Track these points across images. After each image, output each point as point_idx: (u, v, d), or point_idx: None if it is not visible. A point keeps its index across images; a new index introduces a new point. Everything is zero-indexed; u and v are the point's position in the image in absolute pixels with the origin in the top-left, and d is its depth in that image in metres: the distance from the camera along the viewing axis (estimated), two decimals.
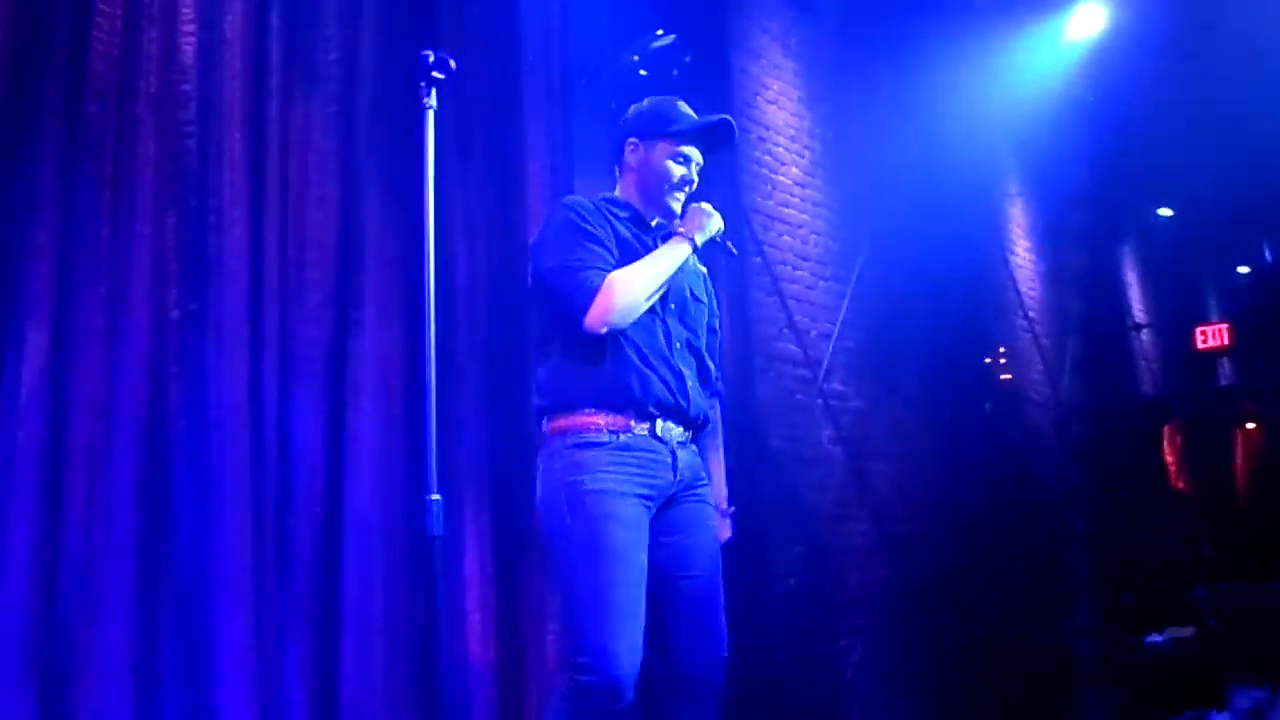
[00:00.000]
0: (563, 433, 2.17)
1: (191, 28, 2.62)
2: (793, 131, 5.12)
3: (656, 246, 2.28)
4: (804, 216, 5.07)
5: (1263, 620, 3.91)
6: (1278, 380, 9.78)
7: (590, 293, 2.12)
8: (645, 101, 2.42)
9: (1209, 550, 7.61)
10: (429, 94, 2.03)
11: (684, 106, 2.37)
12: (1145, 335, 8.58)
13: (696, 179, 2.39)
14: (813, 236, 5.09)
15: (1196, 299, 9.84)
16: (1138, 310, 8.67)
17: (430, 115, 2.03)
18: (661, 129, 2.33)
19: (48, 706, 2.20)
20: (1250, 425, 10.83)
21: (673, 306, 2.28)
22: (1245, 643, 3.80)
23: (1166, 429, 8.52)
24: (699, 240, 2.30)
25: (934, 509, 5.37)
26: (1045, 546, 6.03)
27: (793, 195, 5.02)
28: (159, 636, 2.39)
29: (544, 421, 2.22)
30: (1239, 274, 10.20)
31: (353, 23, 2.91)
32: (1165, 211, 8.67)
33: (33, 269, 2.31)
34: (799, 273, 4.93)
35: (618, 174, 2.41)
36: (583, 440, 2.14)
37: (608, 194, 2.39)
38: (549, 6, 3.55)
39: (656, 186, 2.34)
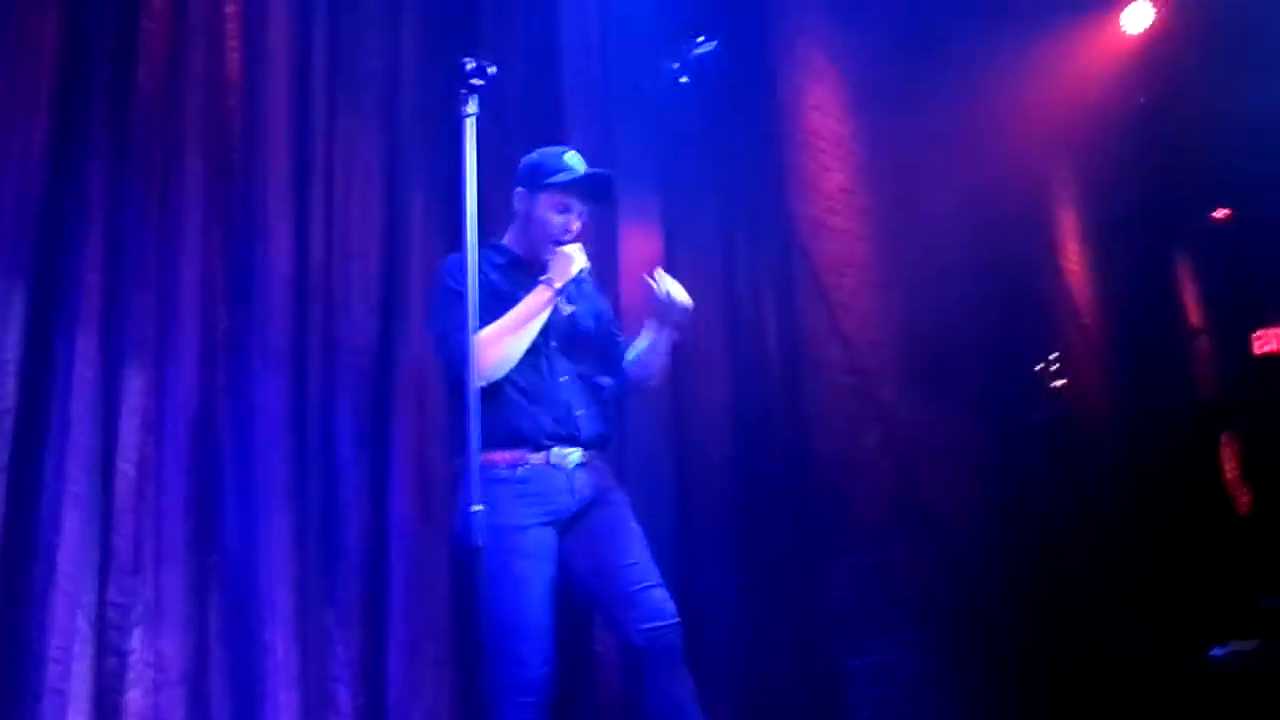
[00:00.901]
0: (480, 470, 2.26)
1: (236, 42, 2.65)
2: (837, 137, 5.07)
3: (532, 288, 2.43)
4: (849, 223, 5.01)
5: None
6: None
7: (461, 354, 2.21)
8: (535, 153, 2.57)
9: (1272, 561, 7.39)
10: (468, 101, 2.03)
11: (572, 158, 2.52)
12: (1201, 341, 8.38)
13: (577, 228, 2.51)
14: (858, 243, 5.03)
15: (1253, 303, 9.59)
16: (1193, 315, 8.47)
17: (470, 123, 2.03)
18: (543, 179, 2.49)
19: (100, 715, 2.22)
20: None
21: (554, 344, 2.47)
22: None
23: (1225, 437, 8.31)
24: (558, 284, 2.44)
25: (986, 519, 5.26)
26: (1102, 557, 5.89)
27: (837, 202, 4.96)
28: (208, 645, 2.40)
29: (453, 461, 2.37)
30: None
31: (394, 35, 2.93)
32: (1219, 214, 8.48)
33: (84, 282, 2.34)
34: (845, 280, 4.87)
35: (510, 219, 2.56)
36: (497, 478, 2.32)
37: (493, 240, 2.53)
38: (588, 15, 3.55)
39: (538, 234, 2.49)
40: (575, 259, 2.45)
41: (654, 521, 3.60)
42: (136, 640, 2.28)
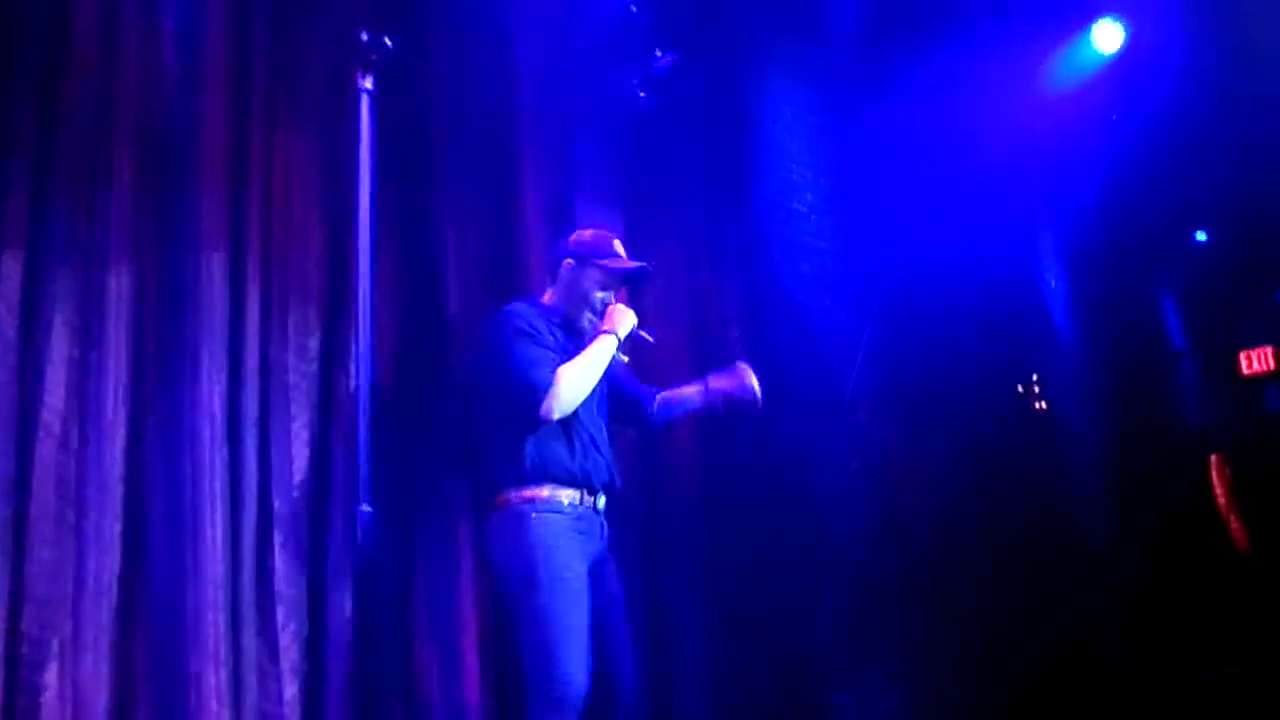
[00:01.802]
0: (529, 502, 2.56)
1: (171, 54, 2.56)
2: (808, 158, 5.01)
3: (580, 348, 2.68)
4: (822, 244, 4.93)
5: None
6: None
7: (545, 386, 2.54)
8: (587, 232, 2.90)
9: (1263, 584, 7.27)
10: (366, 77, 1.93)
11: (618, 246, 2.86)
12: (1187, 362, 8.31)
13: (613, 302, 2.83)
14: (830, 264, 4.94)
15: (1238, 323, 9.55)
16: (1178, 337, 8.40)
17: (365, 100, 1.93)
18: (595, 259, 2.81)
19: None
20: None
21: (595, 395, 2.70)
22: None
23: (1214, 459, 8.21)
24: (621, 335, 2.73)
25: (968, 542, 5.14)
26: (1088, 580, 5.76)
27: (808, 223, 4.89)
28: (134, 680, 2.26)
29: (503, 490, 2.58)
30: None
31: (339, 45, 2.84)
32: (1201, 235, 8.45)
33: (2, 296, 2.22)
34: (817, 302, 4.78)
35: (550, 282, 2.84)
36: (549, 508, 2.56)
37: (538, 301, 2.83)
38: (546, 30, 3.47)
39: (579, 302, 2.79)
40: (630, 314, 2.77)
41: (624, 554, 3.49)
42: (51, 675, 2.14)
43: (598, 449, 2.69)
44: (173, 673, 2.25)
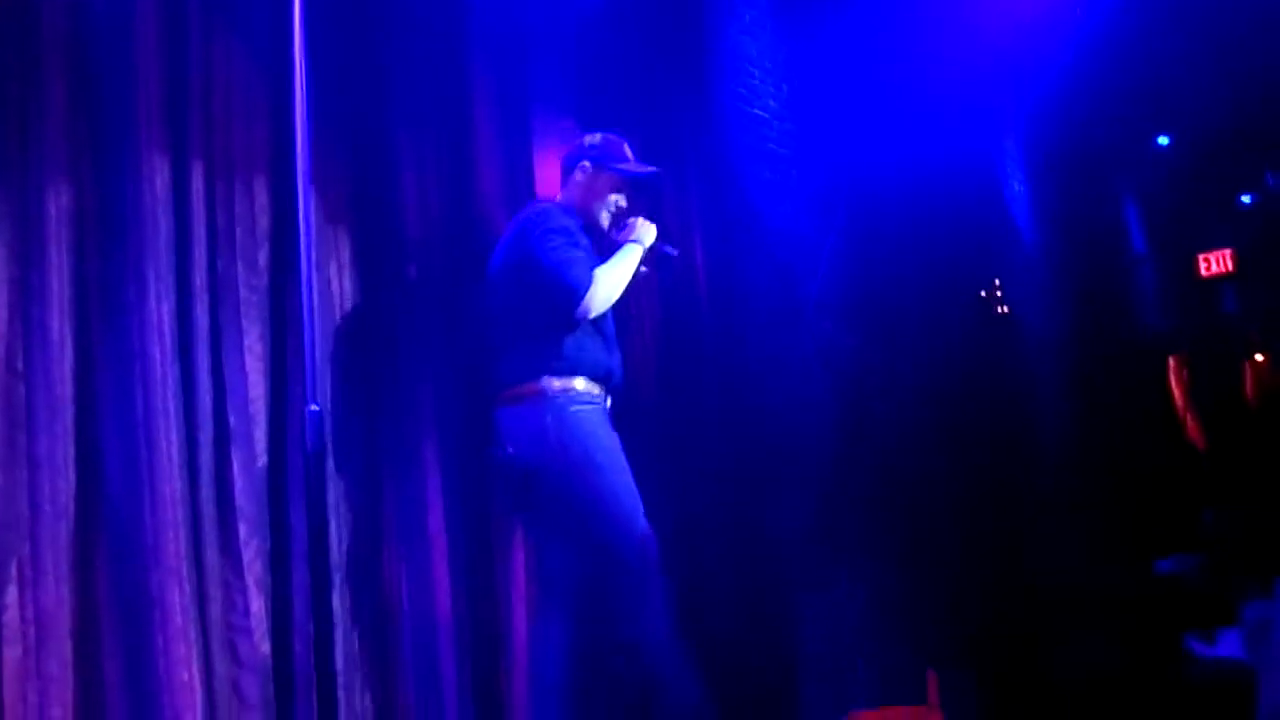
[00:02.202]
0: (565, 392, 2.72)
1: None
2: (769, 64, 4.92)
3: (598, 251, 2.86)
4: (784, 151, 4.87)
5: (1268, 543, 3.79)
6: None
7: (584, 286, 2.71)
8: (598, 136, 3.04)
9: (1217, 479, 7.46)
10: None
11: (628, 150, 3.04)
12: (1147, 265, 8.38)
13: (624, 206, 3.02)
14: (793, 172, 4.90)
15: (1198, 227, 9.61)
16: (1139, 240, 8.46)
17: (303, 6, 1.85)
18: (611, 163, 2.99)
19: None
20: (1259, 356, 10.67)
21: None
22: (1253, 564, 3.69)
23: (1172, 360, 8.34)
24: (646, 244, 2.94)
25: (936, 448, 5.21)
26: (1052, 480, 5.88)
27: (770, 130, 4.82)
28: (96, 599, 2.25)
29: (540, 379, 2.71)
30: (1241, 201, 9.96)
31: None
32: (1163, 139, 8.45)
33: None
34: (779, 207, 4.74)
35: (564, 184, 3.00)
36: (583, 400, 2.74)
37: (558, 203, 2.97)
38: None
39: (595, 206, 2.96)
40: (653, 229, 2.97)
41: None
42: (11, 597, 2.13)
43: (618, 347, 2.90)
44: (135, 591, 2.24)
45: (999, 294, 6.07)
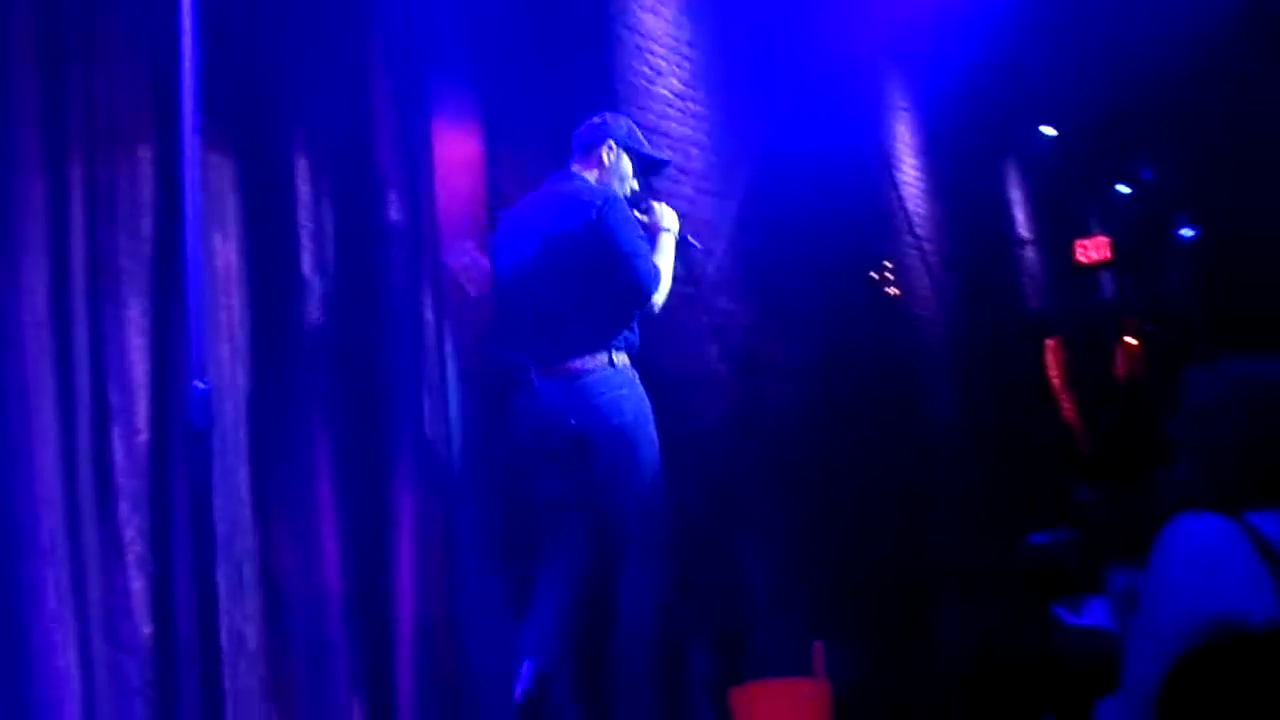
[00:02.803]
0: (629, 368, 2.96)
1: None
2: (672, 41, 4.93)
3: None
4: (685, 129, 4.90)
5: (1136, 520, 3.98)
6: (1154, 294, 10.10)
7: (657, 280, 2.95)
8: (621, 119, 3.22)
9: (1090, 458, 7.82)
10: None
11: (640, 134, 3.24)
12: (1029, 251, 8.72)
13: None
14: (694, 150, 4.93)
15: (1078, 215, 10.04)
16: (1022, 226, 8.79)
17: None
18: (632, 145, 3.16)
19: None
20: (1131, 340, 11.23)
21: None
22: (1122, 540, 3.89)
23: (1049, 343, 8.71)
24: (675, 232, 3.16)
25: (825, 424, 5.33)
26: (935, 456, 6.09)
27: (672, 107, 4.84)
28: None
29: (609, 354, 2.91)
30: (1119, 192, 10.45)
31: None
32: (1049, 129, 8.79)
33: None
34: (681, 187, 4.76)
35: (587, 162, 3.12)
36: (631, 378, 2.96)
37: (603, 183, 3.08)
38: None
39: (619, 187, 3.09)
40: (675, 216, 3.20)
41: (488, 447, 3.48)
42: None
43: None
44: (8, 574, 2.13)
45: (890, 275, 6.23)
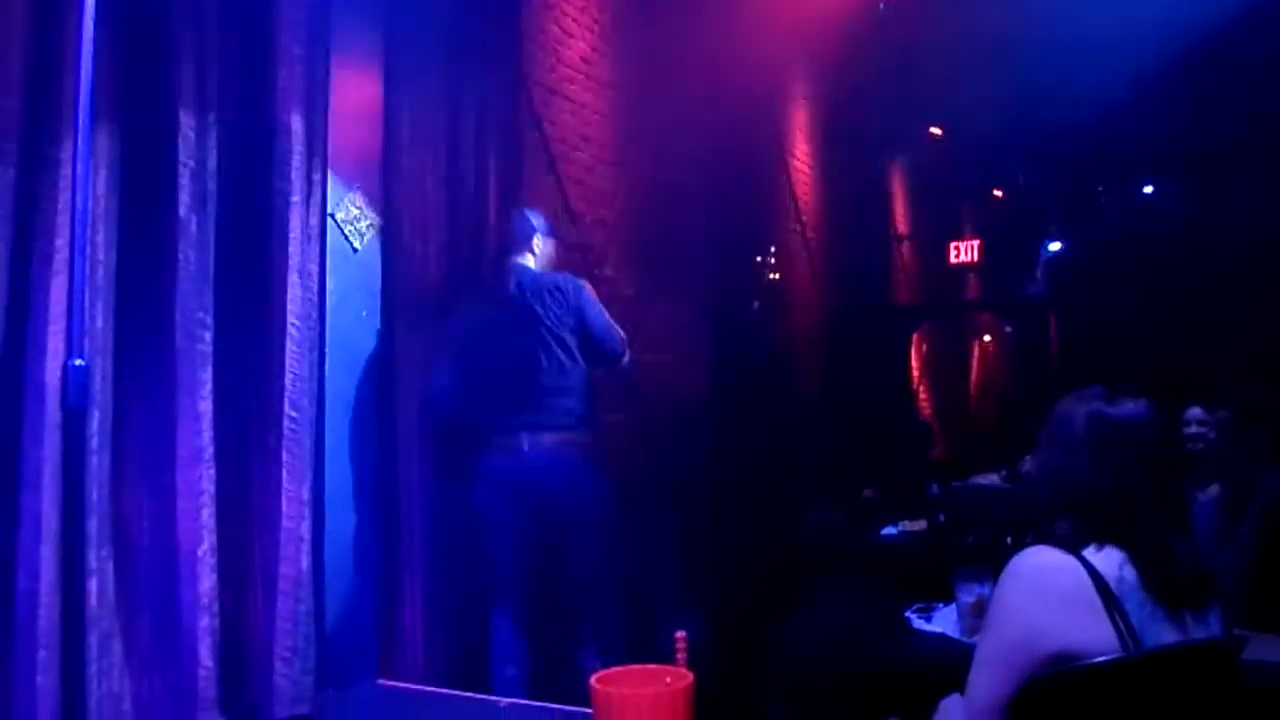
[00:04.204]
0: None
1: None
2: (583, 2, 4.85)
3: None
4: (588, 95, 4.84)
5: (985, 516, 4.17)
6: (1017, 296, 10.57)
7: (624, 343, 3.46)
8: (540, 214, 3.63)
9: (943, 450, 8.18)
10: None
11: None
12: (905, 246, 8.99)
13: None
14: (595, 117, 4.88)
15: (954, 216, 10.40)
16: (901, 222, 9.05)
17: None
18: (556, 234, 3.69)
19: None
20: (986, 338, 11.76)
21: None
22: (970, 536, 4.08)
23: (915, 336, 9.04)
24: None
25: (696, 402, 5.41)
26: (799, 442, 6.25)
27: (578, 72, 4.77)
28: None
29: (583, 422, 3.35)
30: (994, 196, 10.86)
31: None
32: (936, 130, 9.02)
33: None
34: (578, 154, 4.72)
35: (531, 253, 3.51)
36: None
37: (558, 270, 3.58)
38: None
39: (549, 263, 3.59)
40: None
41: (361, 410, 3.39)
42: None
43: None
44: None
45: (774, 260, 6.33)
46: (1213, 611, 1.68)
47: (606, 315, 3.41)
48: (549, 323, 3.35)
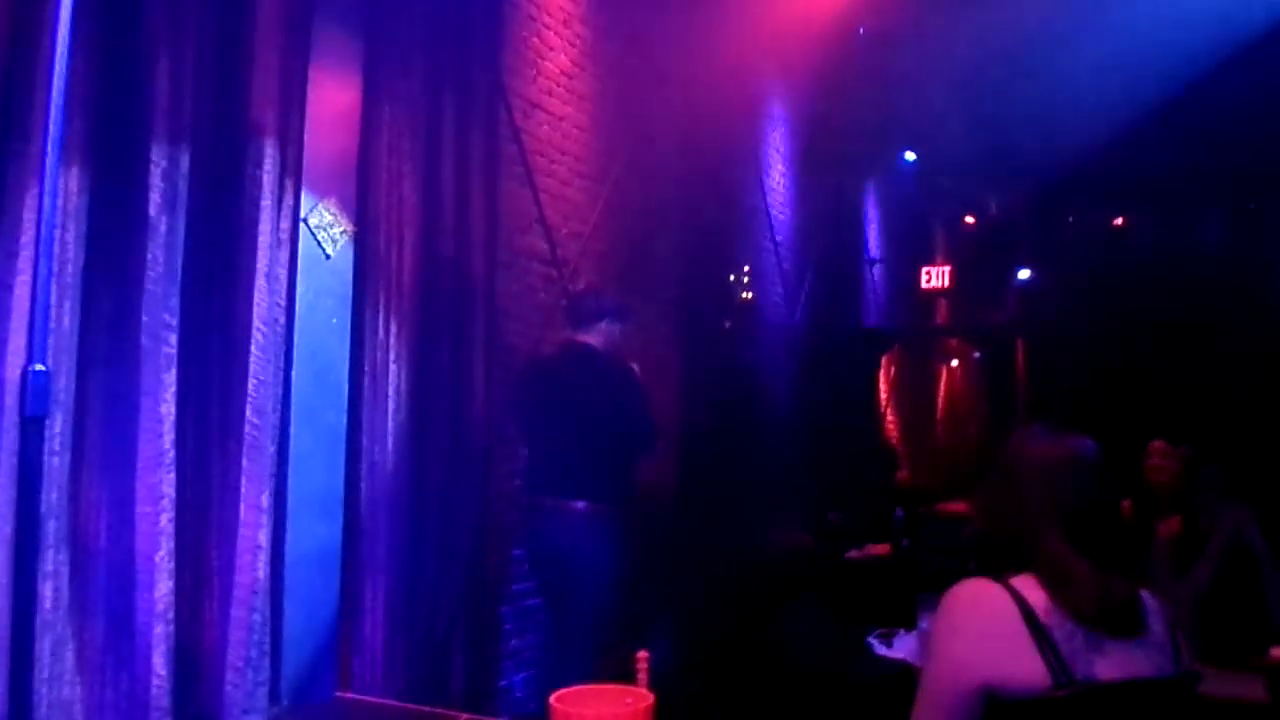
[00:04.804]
0: None
1: None
2: (565, 16, 4.85)
3: None
4: (567, 108, 4.84)
5: (948, 542, 4.21)
6: (986, 323, 10.67)
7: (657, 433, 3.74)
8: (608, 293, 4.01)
9: (909, 474, 8.22)
10: None
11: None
12: (877, 269, 9.05)
13: None
14: (574, 130, 4.88)
15: (926, 241, 10.48)
16: (874, 244, 9.11)
17: None
18: (628, 319, 3.95)
19: None
20: (955, 363, 11.86)
21: None
22: (933, 560, 4.11)
23: (884, 359, 9.09)
24: None
25: (664, 418, 5.39)
26: (766, 461, 6.25)
27: (557, 84, 4.77)
28: None
29: (614, 497, 3.62)
30: (966, 222, 10.96)
31: None
32: (910, 155, 9.11)
33: None
34: (555, 166, 4.71)
35: (599, 334, 3.75)
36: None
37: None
38: None
39: (615, 345, 3.83)
40: None
41: (325, 411, 3.35)
42: None
43: None
44: None
45: (746, 279, 6.35)
46: (1154, 641, 1.69)
47: (646, 405, 3.68)
48: (592, 400, 3.61)
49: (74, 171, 2.41)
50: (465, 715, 2.81)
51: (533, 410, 3.84)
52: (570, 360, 3.75)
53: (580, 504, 3.56)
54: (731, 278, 6.36)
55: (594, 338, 3.71)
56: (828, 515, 5.40)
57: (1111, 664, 1.64)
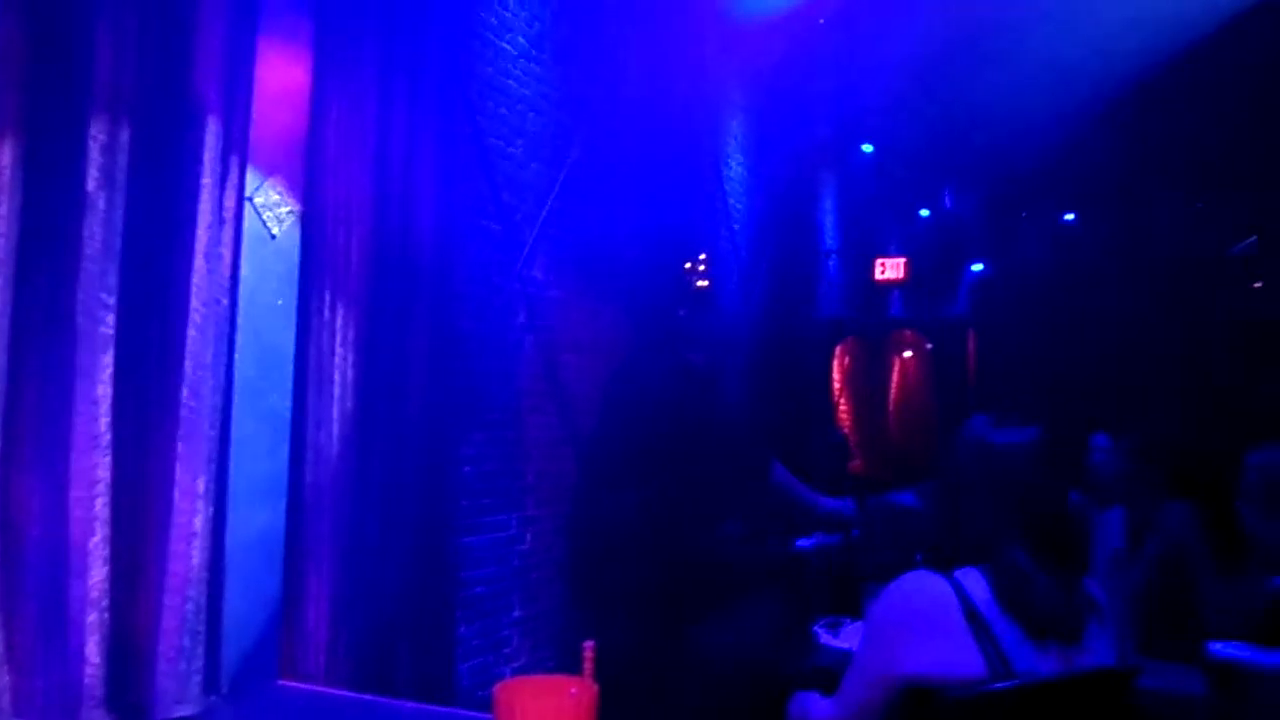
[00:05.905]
0: None
1: None
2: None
3: None
4: (524, 91, 4.78)
5: (897, 533, 4.23)
6: (938, 315, 10.78)
7: None
8: None
9: (860, 464, 8.28)
10: None
11: None
12: (832, 260, 9.10)
13: None
14: (530, 114, 4.82)
15: (882, 233, 10.55)
16: (829, 236, 9.15)
17: None
18: None
19: None
20: (908, 354, 11.98)
21: None
22: (882, 551, 4.13)
23: (838, 349, 9.15)
24: None
25: (617, 406, 5.37)
26: (721, 450, 6.24)
27: (514, 66, 4.71)
28: None
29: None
30: (920, 215, 11.05)
31: None
32: (867, 147, 9.15)
33: None
34: (511, 150, 4.66)
35: None
36: None
37: None
38: None
39: None
40: None
41: (270, 395, 3.28)
42: None
43: None
44: None
45: (703, 267, 6.33)
46: (1094, 639, 1.70)
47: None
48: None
49: (7, 145, 2.33)
50: (411, 704, 2.78)
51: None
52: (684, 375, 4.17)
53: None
54: (688, 265, 6.34)
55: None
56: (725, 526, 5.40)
57: (1052, 659, 1.65)
